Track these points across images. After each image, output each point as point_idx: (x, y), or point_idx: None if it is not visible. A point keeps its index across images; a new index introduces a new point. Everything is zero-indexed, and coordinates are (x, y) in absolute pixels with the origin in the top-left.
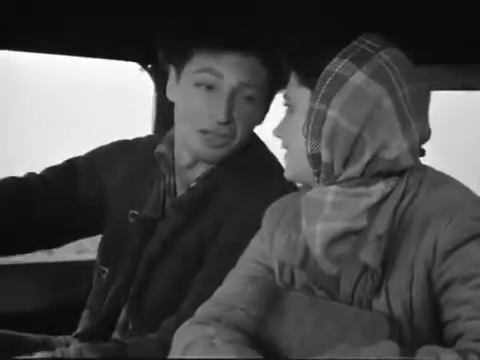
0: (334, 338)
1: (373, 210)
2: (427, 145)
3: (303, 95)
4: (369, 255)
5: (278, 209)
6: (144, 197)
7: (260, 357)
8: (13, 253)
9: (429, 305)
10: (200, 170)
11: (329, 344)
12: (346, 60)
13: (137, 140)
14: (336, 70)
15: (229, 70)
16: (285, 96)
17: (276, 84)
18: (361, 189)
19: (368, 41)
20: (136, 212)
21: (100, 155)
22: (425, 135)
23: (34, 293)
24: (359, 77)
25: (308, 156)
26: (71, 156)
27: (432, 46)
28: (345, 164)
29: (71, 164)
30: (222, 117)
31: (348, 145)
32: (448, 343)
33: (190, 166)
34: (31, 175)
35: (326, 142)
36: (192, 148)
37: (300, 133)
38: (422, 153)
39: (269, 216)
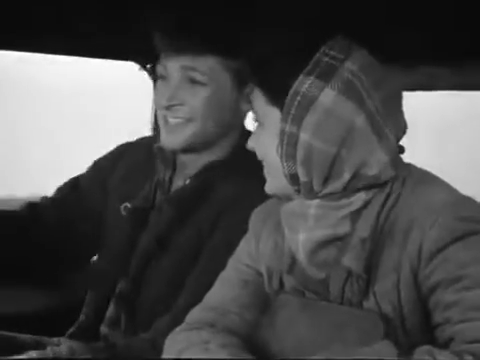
0: (328, 338)
1: (355, 215)
2: (428, 145)
3: (272, 114)
4: (352, 260)
5: (263, 213)
6: (138, 191)
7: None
8: (30, 279)
9: (418, 306)
10: (198, 166)
11: (324, 344)
12: (312, 77)
13: (139, 140)
14: (303, 90)
15: (171, 58)
16: (254, 112)
17: (242, 70)
18: (343, 201)
19: (332, 52)
20: (128, 205)
21: (103, 159)
22: (401, 131)
23: (33, 293)
24: (328, 95)
25: (285, 176)
26: (73, 156)
27: (432, 46)
28: (325, 182)
29: (76, 180)
30: (164, 102)
31: (325, 165)
32: (441, 346)
33: (189, 162)
34: (43, 200)
35: (301, 164)
36: (160, 138)
37: (273, 149)
38: (401, 150)
39: (254, 220)
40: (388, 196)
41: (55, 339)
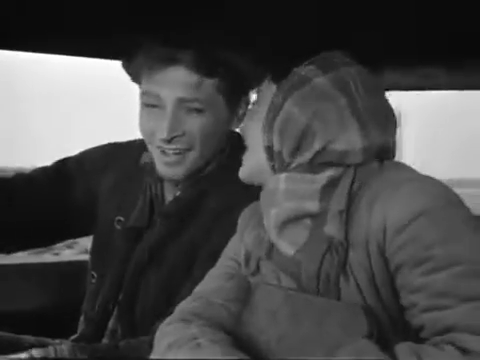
0: (311, 333)
1: (327, 193)
2: (426, 145)
3: (270, 92)
4: (333, 228)
5: (249, 211)
6: (131, 203)
7: (246, 358)
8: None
9: (391, 284)
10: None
11: (306, 338)
12: (314, 66)
13: (129, 143)
14: (302, 72)
15: (164, 89)
16: (256, 91)
17: (235, 90)
18: (309, 176)
19: (338, 55)
20: (122, 219)
21: (91, 158)
22: (386, 149)
23: (34, 293)
24: (321, 81)
25: (264, 149)
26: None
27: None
28: (294, 152)
29: (61, 165)
30: (164, 135)
31: (297, 134)
32: (413, 330)
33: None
34: (18, 175)
35: (277, 131)
36: (157, 168)
37: (259, 129)
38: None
39: (241, 218)
40: (354, 180)
41: (57, 341)
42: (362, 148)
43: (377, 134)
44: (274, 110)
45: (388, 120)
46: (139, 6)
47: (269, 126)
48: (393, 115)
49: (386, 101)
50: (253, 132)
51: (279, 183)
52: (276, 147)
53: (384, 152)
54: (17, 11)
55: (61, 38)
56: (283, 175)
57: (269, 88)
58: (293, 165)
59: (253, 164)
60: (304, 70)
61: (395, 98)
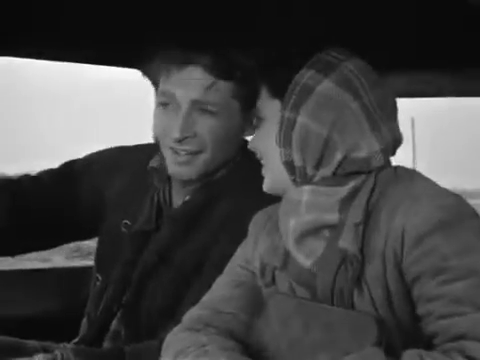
0: (322, 340)
1: (346, 205)
2: (424, 149)
3: (274, 106)
4: (347, 241)
5: (262, 217)
6: (138, 207)
7: None
8: (4, 254)
9: (405, 294)
10: (195, 182)
11: (317, 346)
12: (313, 71)
13: (138, 147)
14: (304, 80)
15: (180, 89)
16: (256, 109)
17: (251, 95)
18: (333, 189)
19: (333, 53)
20: (128, 222)
21: (99, 159)
22: (397, 139)
23: (36, 298)
24: (326, 85)
25: (283, 164)
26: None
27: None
28: (317, 166)
29: (68, 167)
30: (177, 134)
31: (318, 147)
32: (426, 339)
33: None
34: (25, 176)
35: (297, 147)
36: (168, 168)
37: (273, 141)
38: (393, 153)
39: (254, 224)
40: (374, 188)
41: (61, 345)
42: (380, 149)
43: (386, 129)
44: (287, 126)
45: (393, 107)
46: (156, 11)
47: (285, 142)
48: (395, 102)
49: (387, 89)
50: (267, 149)
51: (303, 195)
52: (297, 163)
53: (397, 144)
54: (30, 20)
55: (78, 46)
56: (307, 188)
57: (271, 103)
58: (316, 178)
59: (274, 178)
60: (304, 77)
61: (406, 104)
